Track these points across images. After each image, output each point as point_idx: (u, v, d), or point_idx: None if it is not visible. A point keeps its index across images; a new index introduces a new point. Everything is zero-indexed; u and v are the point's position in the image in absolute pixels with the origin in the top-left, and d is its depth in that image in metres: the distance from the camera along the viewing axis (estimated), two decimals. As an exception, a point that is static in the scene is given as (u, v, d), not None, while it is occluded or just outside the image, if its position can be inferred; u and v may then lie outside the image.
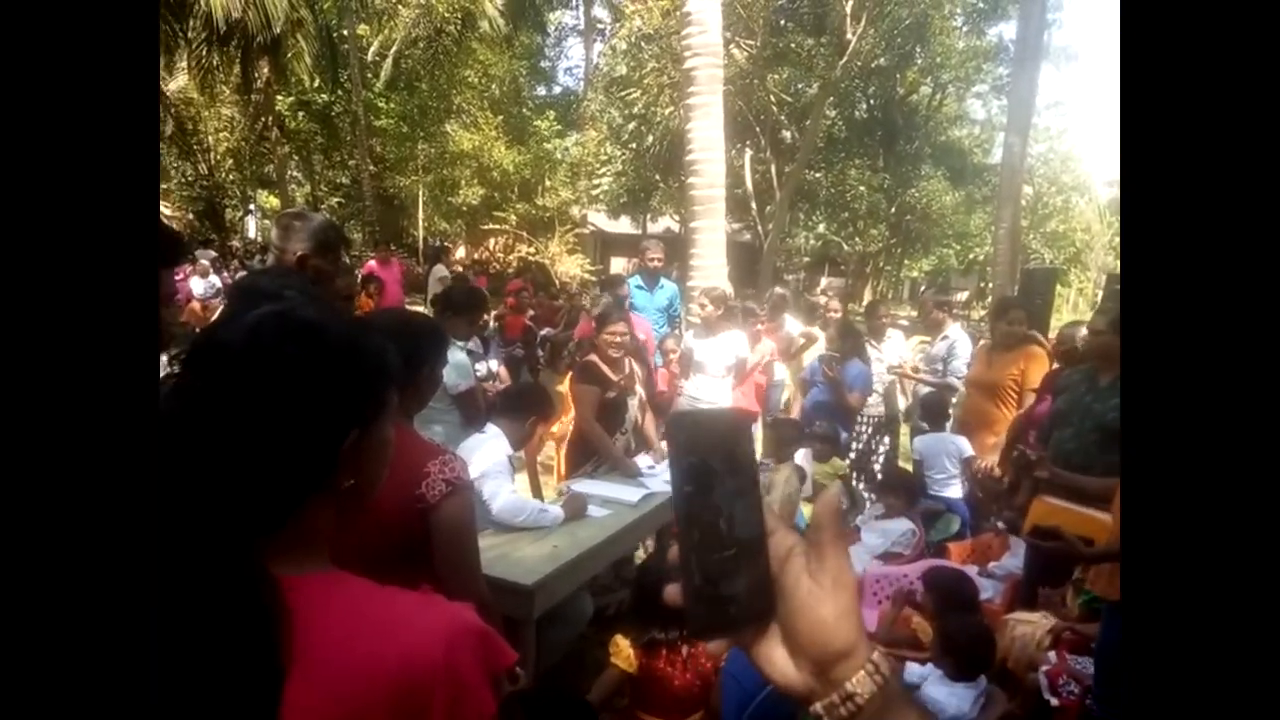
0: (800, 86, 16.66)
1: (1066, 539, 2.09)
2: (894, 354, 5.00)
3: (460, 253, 18.88)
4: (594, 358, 3.57)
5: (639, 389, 3.74)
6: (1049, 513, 2.32)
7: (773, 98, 15.52)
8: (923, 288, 23.32)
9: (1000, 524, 3.96)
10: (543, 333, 8.54)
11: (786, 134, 16.83)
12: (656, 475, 3.43)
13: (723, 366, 4.38)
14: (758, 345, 4.89)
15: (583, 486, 3.16)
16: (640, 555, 3.90)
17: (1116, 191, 28.67)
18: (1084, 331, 3.80)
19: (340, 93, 17.24)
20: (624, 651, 1.93)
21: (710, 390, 4.38)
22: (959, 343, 4.70)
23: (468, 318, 3.42)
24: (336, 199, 20.19)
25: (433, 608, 0.69)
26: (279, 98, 15.87)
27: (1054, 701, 2.63)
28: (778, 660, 0.47)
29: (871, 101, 18.90)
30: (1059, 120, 23.16)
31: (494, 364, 3.84)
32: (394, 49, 16.56)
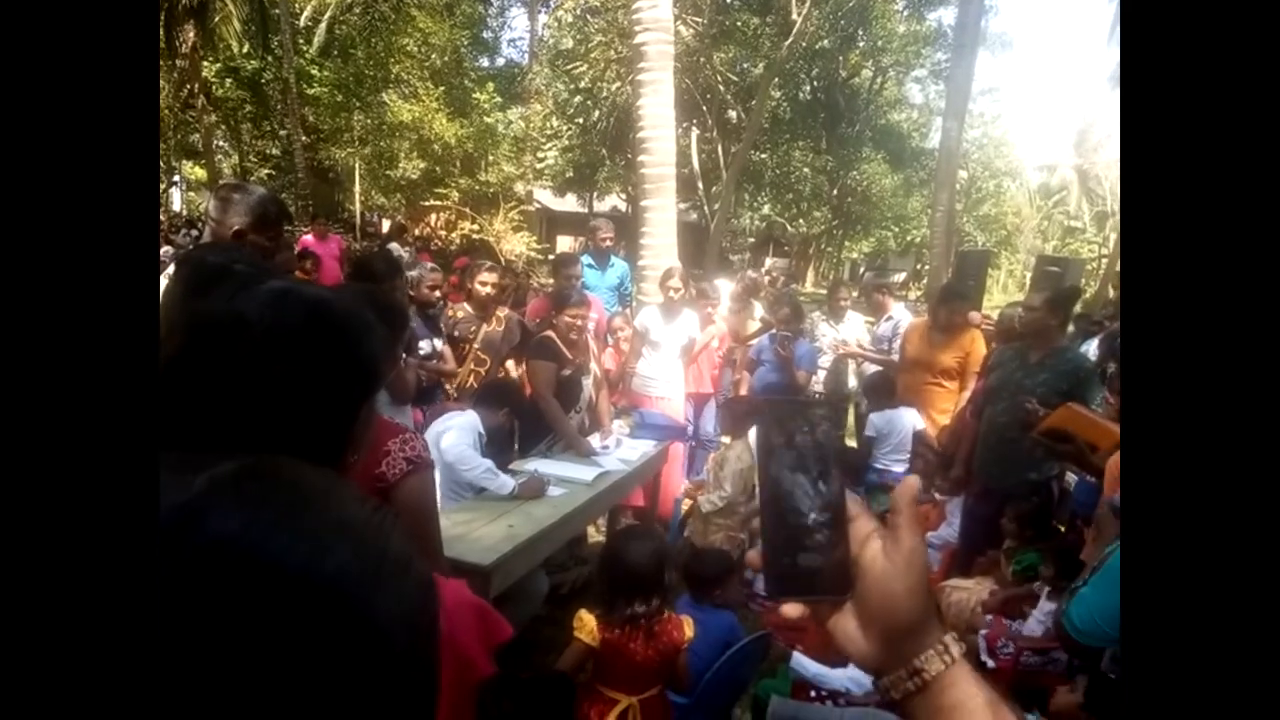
0: (746, 66, 16.73)
1: (1076, 443, 2.14)
2: (851, 334, 5.11)
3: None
4: (551, 334, 3.54)
5: (594, 367, 3.74)
6: (1070, 417, 2.38)
7: (719, 76, 15.54)
8: (862, 269, 23.92)
9: (937, 495, 4.14)
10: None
11: (732, 113, 16.90)
12: (610, 454, 3.45)
13: (678, 346, 4.41)
14: (709, 327, 4.94)
15: (538, 466, 3.15)
16: (593, 533, 3.93)
17: (1046, 177, 29.92)
18: (1018, 313, 3.98)
19: (270, 59, 16.39)
20: (588, 626, 1.95)
21: (664, 369, 4.41)
22: (903, 322, 4.85)
23: (388, 287, 3.31)
24: (266, 170, 19.28)
25: None
26: (205, 64, 15.01)
27: (990, 664, 2.78)
28: (851, 632, 0.50)
29: (815, 83, 19.14)
30: (993, 106, 23.92)
31: (438, 343, 3.73)
32: (328, 14, 15.83)
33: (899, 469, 4.27)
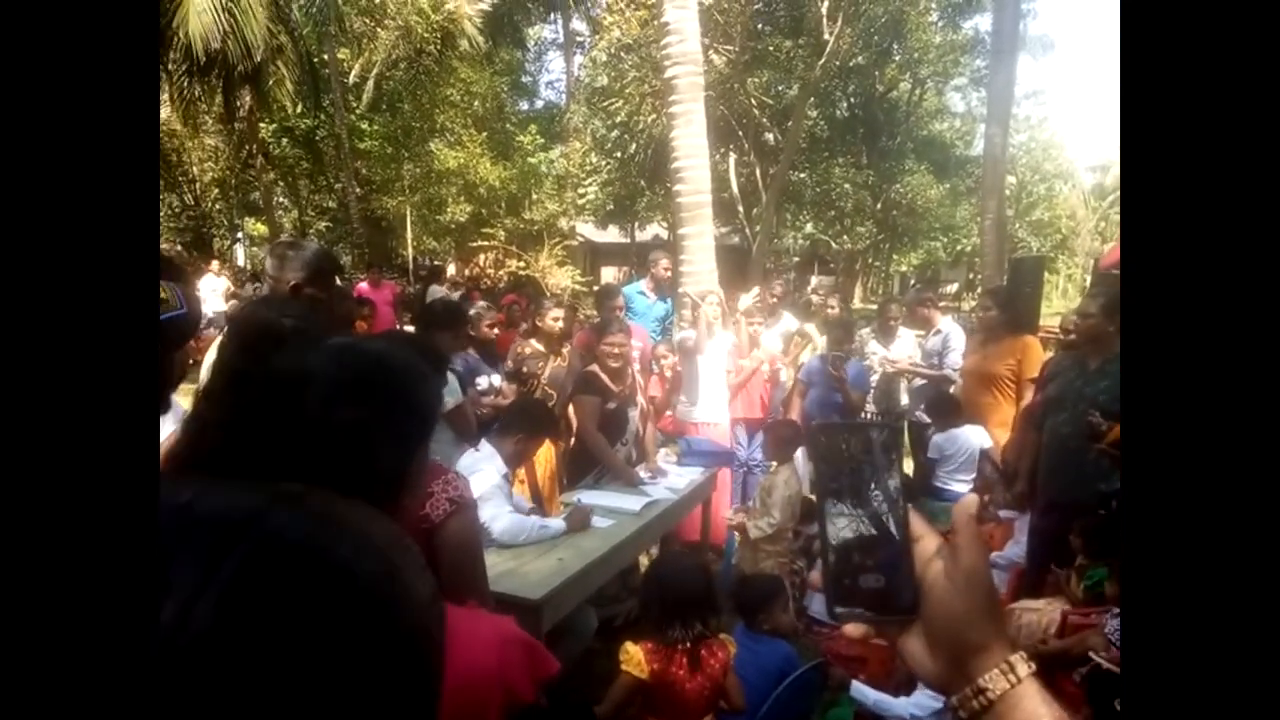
0: (780, 88, 16.79)
1: None
2: (904, 352, 4.98)
3: (450, 270, 18.88)
4: (595, 368, 3.59)
5: (639, 399, 3.76)
6: None
7: (754, 101, 15.63)
8: (912, 282, 23.43)
9: (1000, 514, 3.99)
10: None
11: (769, 136, 16.93)
12: (658, 484, 3.45)
13: (721, 370, 4.41)
14: (755, 351, 4.90)
15: (585, 497, 3.17)
16: (645, 563, 3.91)
17: (1100, 178, 28.92)
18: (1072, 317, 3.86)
19: (323, 117, 17.25)
20: (635, 658, 1.95)
21: (706, 394, 4.40)
22: (952, 335, 4.74)
23: (451, 332, 3.40)
24: (324, 223, 20.19)
25: (483, 620, 0.72)
26: (262, 125, 15.88)
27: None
28: (917, 652, 0.50)
29: (852, 100, 19.03)
30: (1039, 109, 23.34)
31: (496, 379, 3.83)
32: (375, 71, 16.58)
33: (962, 488, 4.14)
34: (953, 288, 21.17)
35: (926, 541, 0.51)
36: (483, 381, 3.70)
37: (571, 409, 3.78)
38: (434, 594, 0.42)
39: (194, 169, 18.00)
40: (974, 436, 4.13)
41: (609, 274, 20.79)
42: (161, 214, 18.23)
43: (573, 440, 3.74)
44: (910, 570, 0.50)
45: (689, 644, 1.94)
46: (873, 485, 0.50)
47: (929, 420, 4.51)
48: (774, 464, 3.64)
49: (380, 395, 0.70)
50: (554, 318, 4.05)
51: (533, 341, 4.10)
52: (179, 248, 18.13)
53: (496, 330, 4.06)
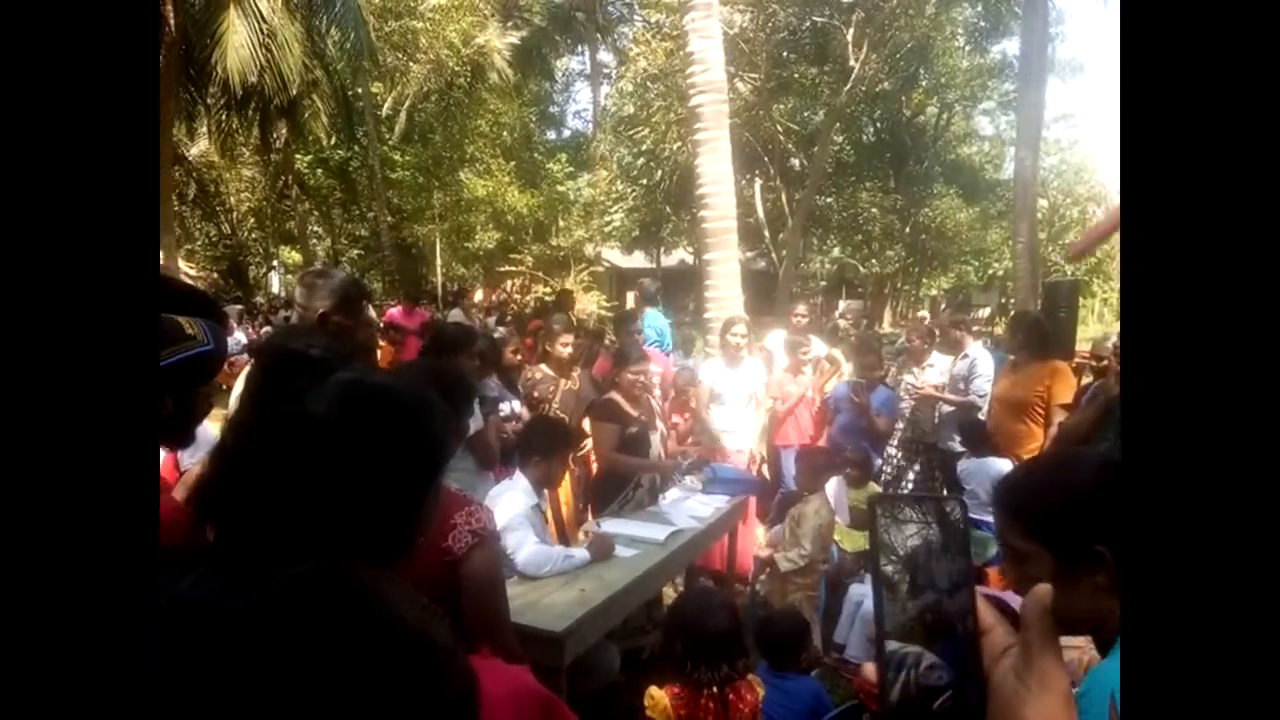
0: (806, 114, 16.84)
1: None
2: (936, 377, 4.86)
3: (479, 295, 19.13)
4: (614, 395, 3.57)
5: (659, 424, 3.73)
6: None
7: (779, 127, 15.69)
8: (943, 306, 23.12)
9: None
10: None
11: (795, 161, 16.96)
12: (682, 510, 3.39)
13: (745, 396, 4.36)
14: (800, 376, 4.84)
15: (609, 526, 3.13)
16: (670, 594, 3.84)
17: (1133, 199, 28.40)
18: (1110, 341, 3.74)
19: (356, 148, 17.70)
20: (660, 703, 1.88)
21: (733, 421, 4.35)
22: (980, 361, 4.62)
23: (465, 356, 3.27)
24: (356, 251, 20.62)
25: (494, 673, 0.69)
26: (297, 156, 16.35)
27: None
28: None
29: (878, 124, 19.01)
30: (1069, 132, 23.01)
31: (517, 405, 3.82)
32: (407, 104, 17.01)
33: (990, 518, 4.01)
34: (985, 312, 20.80)
35: (996, 634, 0.46)
36: (505, 408, 3.69)
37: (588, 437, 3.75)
38: (467, 672, 0.41)
39: (231, 199, 18.56)
40: (999, 468, 4.01)
41: (633, 299, 20.87)
42: (198, 242, 18.82)
43: (592, 469, 3.71)
44: (977, 666, 0.45)
45: (716, 687, 1.87)
46: (938, 565, 0.45)
47: (961, 448, 4.40)
48: (805, 493, 3.57)
49: (386, 434, 0.69)
50: (563, 343, 4.03)
51: (543, 366, 4.09)
52: (215, 275, 18.64)
53: (520, 356, 4.03)
